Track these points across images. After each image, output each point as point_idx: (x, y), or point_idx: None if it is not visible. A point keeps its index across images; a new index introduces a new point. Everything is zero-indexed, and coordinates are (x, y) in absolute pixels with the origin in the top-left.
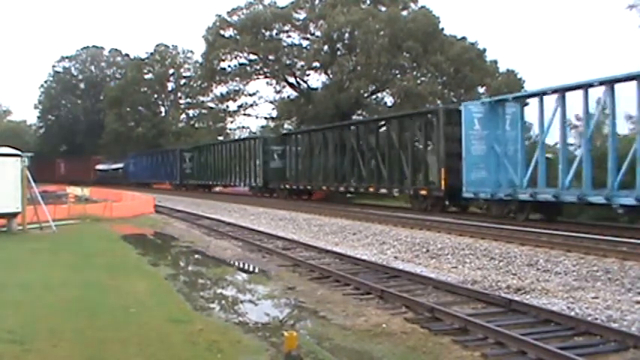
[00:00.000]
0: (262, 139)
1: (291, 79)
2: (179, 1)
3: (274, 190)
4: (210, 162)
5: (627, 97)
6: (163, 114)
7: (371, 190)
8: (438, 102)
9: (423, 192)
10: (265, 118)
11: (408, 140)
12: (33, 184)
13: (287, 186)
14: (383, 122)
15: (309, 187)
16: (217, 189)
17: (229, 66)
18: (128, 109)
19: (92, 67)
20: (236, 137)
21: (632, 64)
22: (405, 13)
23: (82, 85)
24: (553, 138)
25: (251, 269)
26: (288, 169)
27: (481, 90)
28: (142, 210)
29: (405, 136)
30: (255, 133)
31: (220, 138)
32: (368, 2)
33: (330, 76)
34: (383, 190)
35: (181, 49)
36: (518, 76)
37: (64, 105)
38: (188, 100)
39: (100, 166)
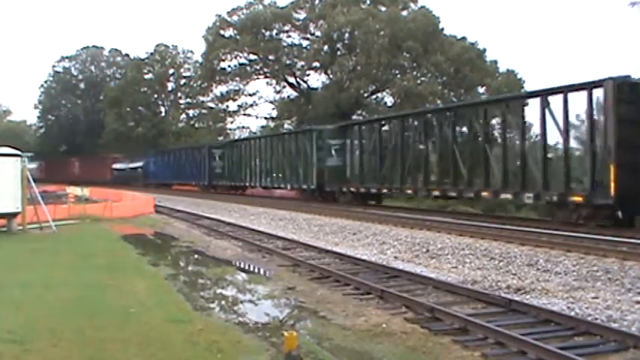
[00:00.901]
0: (317, 132)
1: (291, 79)
2: (179, 1)
3: (332, 193)
4: (246, 160)
5: None
6: (163, 114)
7: (484, 194)
8: (438, 102)
9: (577, 198)
10: (265, 118)
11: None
12: (33, 184)
13: (351, 189)
14: (488, 106)
15: (384, 191)
16: (253, 191)
17: (229, 66)
18: (128, 109)
19: (92, 67)
20: (258, 133)
21: (632, 64)
22: (405, 13)
23: (82, 85)
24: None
25: (251, 269)
26: (349, 168)
27: (481, 90)
28: (142, 210)
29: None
30: (255, 133)
31: (220, 138)
32: (368, 2)
33: (330, 76)
34: (506, 196)
35: (181, 49)
36: (518, 76)
37: (64, 105)
38: (188, 100)
39: (117, 165)
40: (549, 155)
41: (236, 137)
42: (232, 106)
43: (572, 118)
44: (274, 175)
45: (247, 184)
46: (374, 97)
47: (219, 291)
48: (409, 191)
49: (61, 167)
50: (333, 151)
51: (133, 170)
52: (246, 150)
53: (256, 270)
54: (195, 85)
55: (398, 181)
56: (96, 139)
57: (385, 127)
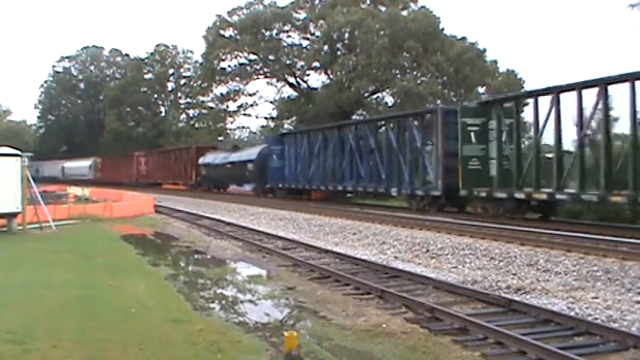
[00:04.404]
0: None
1: (291, 79)
2: (179, 1)
3: None
4: None
5: None
6: (163, 114)
7: None
8: (438, 102)
9: None
10: (265, 118)
11: None
12: (33, 183)
13: None
14: None
15: None
16: None
17: (229, 66)
18: (128, 109)
19: (92, 67)
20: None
21: (632, 64)
22: (405, 13)
23: (82, 85)
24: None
25: (251, 269)
26: None
27: (481, 90)
28: (142, 210)
29: None
30: (255, 133)
31: (221, 138)
32: (368, 2)
33: (331, 76)
34: None
35: (181, 49)
36: (519, 76)
37: (64, 105)
38: (188, 100)
39: (206, 159)
40: None
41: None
42: (232, 106)
43: None
44: None
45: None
46: (374, 97)
47: (219, 291)
48: None
49: (122, 165)
50: None
51: (237, 166)
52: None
53: (256, 270)
54: (195, 85)
55: None
56: (96, 139)
57: None
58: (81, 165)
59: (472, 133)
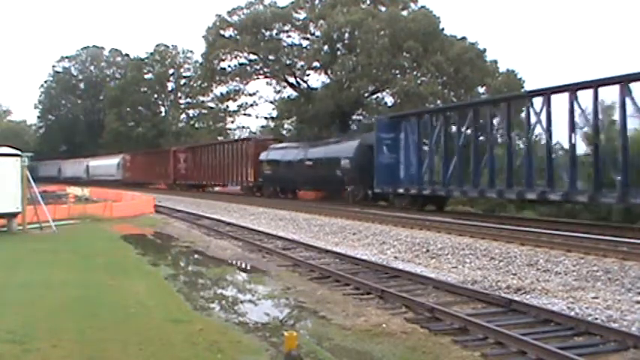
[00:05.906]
0: None
1: (291, 79)
2: (179, 1)
3: None
4: None
5: None
6: (163, 114)
7: None
8: (438, 102)
9: None
10: (265, 118)
11: None
12: (33, 183)
13: None
14: None
15: None
16: None
17: (229, 66)
18: (128, 109)
19: (92, 67)
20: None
21: (633, 63)
22: (405, 13)
23: (82, 85)
24: None
25: (251, 269)
26: None
27: (481, 90)
28: (142, 210)
29: None
30: (255, 133)
31: (220, 138)
32: (368, 2)
33: (331, 75)
34: None
35: (181, 49)
36: (518, 76)
37: (64, 105)
38: (188, 100)
39: (271, 155)
40: None
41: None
42: (232, 106)
43: None
44: None
45: None
46: (374, 97)
47: (219, 291)
48: None
49: (155, 164)
50: None
51: (323, 164)
52: None
53: (256, 270)
54: (195, 85)
55: None
56: (96, 139)
57: None
58: (108, 163)
59: None
